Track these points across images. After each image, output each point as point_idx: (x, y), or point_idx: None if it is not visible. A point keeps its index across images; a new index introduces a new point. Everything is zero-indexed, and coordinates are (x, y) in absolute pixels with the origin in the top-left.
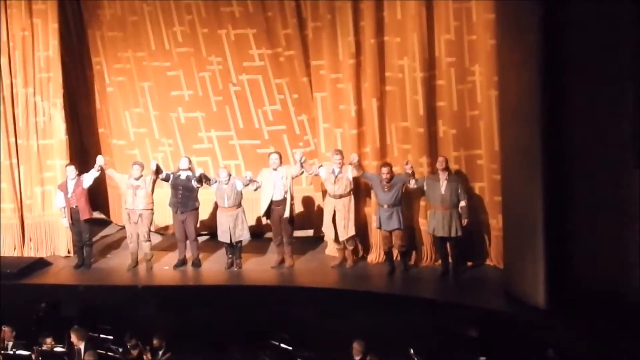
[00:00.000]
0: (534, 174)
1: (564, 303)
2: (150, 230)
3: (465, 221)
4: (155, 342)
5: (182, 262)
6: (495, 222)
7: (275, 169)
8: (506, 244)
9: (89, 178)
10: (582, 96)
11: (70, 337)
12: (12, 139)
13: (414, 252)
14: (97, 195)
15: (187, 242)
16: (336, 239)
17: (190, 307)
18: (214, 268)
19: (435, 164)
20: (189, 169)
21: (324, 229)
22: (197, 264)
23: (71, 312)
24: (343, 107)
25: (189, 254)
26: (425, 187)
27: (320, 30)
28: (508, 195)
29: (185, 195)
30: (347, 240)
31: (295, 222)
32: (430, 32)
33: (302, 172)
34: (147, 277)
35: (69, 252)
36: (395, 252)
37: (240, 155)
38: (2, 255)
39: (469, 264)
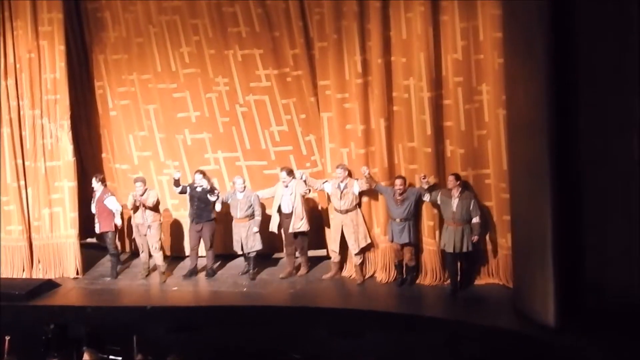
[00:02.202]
0: (542, 191)
1: (574, 321)
2: (161, 240)
3: (475, 238)
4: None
5: (193, 272)
6: (504, 241)
7: (286, 186)
8: (515, 263)
9: (111, 203)
10: (590, 112)
11: (80, 358)
12: (20, 161)
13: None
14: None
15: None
16: (340, 252)
17: (200, 327)
18: (223, 288)
19: (443, 184)
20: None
21: (329, 243)
22: (210, 273)
23: (79, 334)
24: (350, 126)
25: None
26: (439, 202)
27: (327, 50)
28: (517, 214)
29: (200, 207)
30: (356, 254)
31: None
32: (437, 52)
33: (310, 190)
34: (156, 297)
35: (77, 274)
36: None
37: (247, 176)
38: (10, 277)
39: (477, 282)
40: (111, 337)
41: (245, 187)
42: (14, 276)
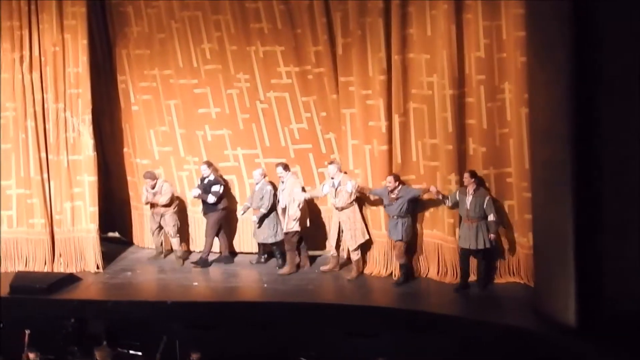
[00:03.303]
0: (564, 191)
1: (595, 321)
2: (176, 225)
3: (492, 236)
4: (194, 356)
5: (204, 262)
6: (526, 241)
7: (282, 181)
8: (536, 262)
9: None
10: (612, 112)
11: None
12: (43, 154)
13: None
14: (119, 217)
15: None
16: (336, 247)
17: (217, 323)
18: (242, 283)
19: (464, 181)
20: (212, 172)
21: (329, 237)
22: (224, 259)
23: (99, 328)
24: (373, 123)
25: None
26: (457, 200)
27: (350, 47)
28: (538, 213)
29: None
30: (353, 250)
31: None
32: (460, 50)
33: (311, 197)
34: (177, 292)
35: (98, 268)
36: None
37: None
38: (32, 270)
39: (498, 280)
40: (131, 331)
41: (263, 178)
42: (36, 269)
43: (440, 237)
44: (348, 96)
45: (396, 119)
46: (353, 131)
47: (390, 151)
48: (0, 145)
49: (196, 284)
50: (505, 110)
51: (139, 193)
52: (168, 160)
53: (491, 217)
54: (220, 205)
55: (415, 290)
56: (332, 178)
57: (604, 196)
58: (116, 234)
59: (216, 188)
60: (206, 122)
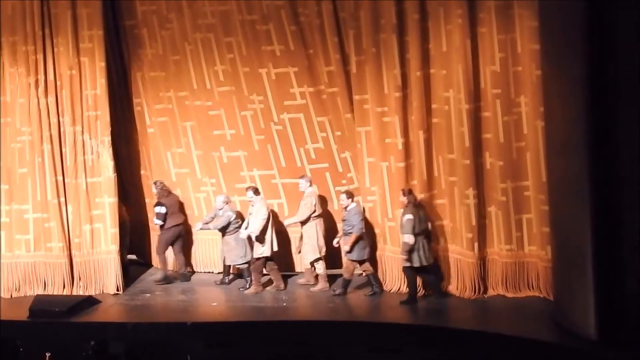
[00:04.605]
0: (582, 204)
1: (615, 333)
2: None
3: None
4: None
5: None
6: (544, 254)
7: (252, 205)
8: (556, 275)
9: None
10: (628, 123)
11: None
12: (60, 178)
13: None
14: (136, 239)
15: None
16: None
17: (239, 343)
18: (262, 303)
19: (481, 195)
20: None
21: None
22: (181, 277)
23: (120, 350)
24: (389, 140)
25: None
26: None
27: (364, 64)
28: (557, 226)
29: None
30: (312, 264)
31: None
32: (475, 64)
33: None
34: (196, 313)
35: (118, 289)
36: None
37: (282, 194)
38: (51, 293)
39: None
40: (151, 353)
41: (224, 205)
42: (55, 293)
43: (459, 251)
44: (363, 114)
45: (420, 135)
46: (369, 149)
47: (406, 168)
48: (17, 169)
49: (215, 304)
50: (521, 124)
51: (152, 215)
52: (185, 181)
53: (403, 238)
54: (167, 225)
55: (435, 305)
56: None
57: (622, 207)
58: (133, 257)
59: (157, 209)
60: (222, 143)
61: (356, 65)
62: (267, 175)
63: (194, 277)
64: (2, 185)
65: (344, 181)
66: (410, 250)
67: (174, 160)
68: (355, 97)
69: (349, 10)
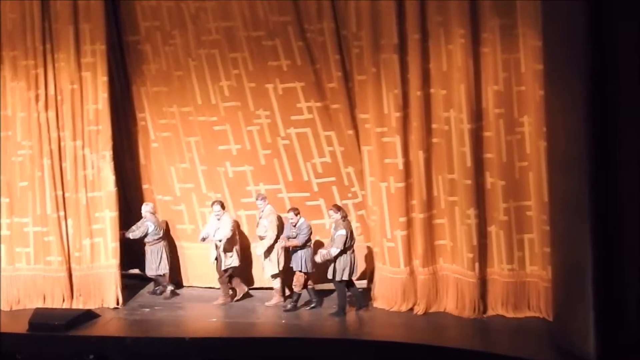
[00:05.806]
0: (583, 224)
1: (614, 354)
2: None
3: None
4: None
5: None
6: (546, 274)
7: (218, 219)
8: (555, 295)
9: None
10: (630, 142)
11: None
12: (60, 192)
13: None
14: (140, 253)
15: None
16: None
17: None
18: (261, 319)
19: (482, 216)
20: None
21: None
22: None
23: None
24: (389, 160)
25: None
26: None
27: (366, 84)
28: (557, 246)
29: None
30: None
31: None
32: (477, 84)
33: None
34: (195, 329)
35: (117, 304)
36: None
37: (288, 208)
38: (48, 307)
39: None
40: None
41: (150, 214)
42: (54, 306)
43: (460, 271)
44: (365, 133)
45: (420, 155)
46: (371, 168)
47: (406, 188)
48: (18, 183)
49: (215, 319)
50: (524, 144)
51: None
52: (189, 196)
53: (330, 251)
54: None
55: (434, 325)
56: (262, 211)
57: (623, 227)
58: (136, 271)
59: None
60: (227, 158)
61: (358, 85)
62: (273, 190)
63: (192, 293)
64: (2, 198)
65: (349, 194)
66: (342, 267)
67: (178, 175)
68: (359, 116)
69: (350, 30)
